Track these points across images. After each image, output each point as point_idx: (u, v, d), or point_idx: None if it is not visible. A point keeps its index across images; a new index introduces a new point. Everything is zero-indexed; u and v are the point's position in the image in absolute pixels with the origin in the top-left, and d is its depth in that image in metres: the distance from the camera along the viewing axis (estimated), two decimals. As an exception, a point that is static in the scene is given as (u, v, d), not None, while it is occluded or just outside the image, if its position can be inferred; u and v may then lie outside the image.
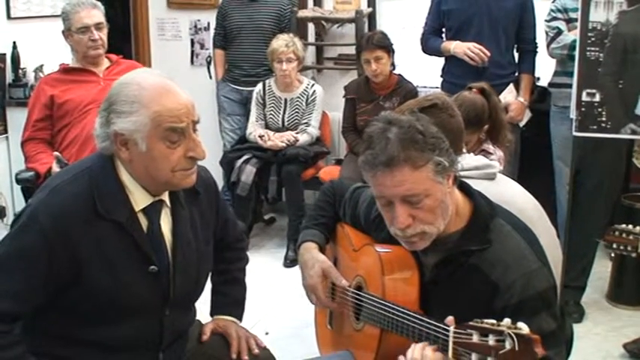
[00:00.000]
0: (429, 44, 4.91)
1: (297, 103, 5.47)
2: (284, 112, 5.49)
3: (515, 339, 1.64)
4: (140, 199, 2.15)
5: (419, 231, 2.01)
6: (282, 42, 5.30)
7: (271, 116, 5.51)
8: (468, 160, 2.63)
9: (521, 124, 4.72)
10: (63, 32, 3.97)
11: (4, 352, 2.03)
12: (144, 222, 2.17)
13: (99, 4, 3.99)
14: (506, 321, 1.70)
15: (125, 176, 2.14)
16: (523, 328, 1.67)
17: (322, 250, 2.50)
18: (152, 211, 2.18)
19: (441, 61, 4.92)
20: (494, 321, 1.72)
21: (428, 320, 1.94)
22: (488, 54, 4.57)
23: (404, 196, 1.98)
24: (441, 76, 4.90)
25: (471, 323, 1.75)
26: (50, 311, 2.12)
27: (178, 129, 2.07)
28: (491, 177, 2.71)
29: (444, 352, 1.82)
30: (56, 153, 3.79)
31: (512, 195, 2.58)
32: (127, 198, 2.13)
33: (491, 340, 1.68)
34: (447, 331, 1.81)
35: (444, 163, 1.98)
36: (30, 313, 2.10)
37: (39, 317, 2.13)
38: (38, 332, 2.16)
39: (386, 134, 1.98)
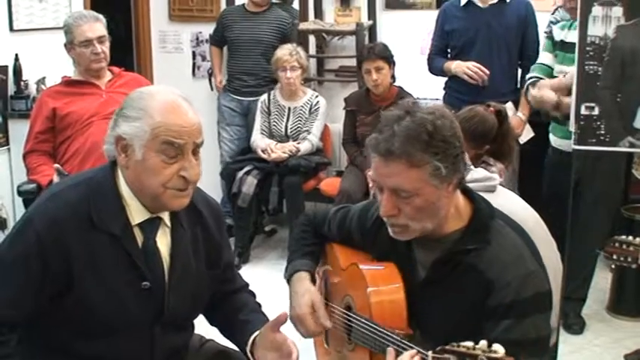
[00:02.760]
0: (434, 65, 5.05)
1: (301, 112, 5.51)
2: (287, 120, 5.52)
3: None
4: (137, 214, 2.15)
5: (402, 223, 2.03)
6: (286, 51, 5.38)
7: (275, 124, 5.55)
8: (467, 172, 2.63)
9: (522, 140, 4.74)
10: (65, 45, 3.98)
11: None
12: (139, 237, 2.16)
13: (101, 17, 4.01)
14: (482, 344, 1.71)
15: (124, 189, 2.14)
16: (498, 350, 1.69)
17: (314, 278, 2.48)
18: (148, 227, 2.17)
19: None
20: (470, 344, 1.73)
21: (408, 344, 1.95)
22: (488, 72, 4.65)
23: (393, 188, 1.99)
24: (444, 89, 4.97)
25: (447, 347, 1.77)
26: (43, 323, 2.11)
27: (176, 144, 2.06)
28: (491, 189, 2.72)
29: None
30: (56, 165, 3.80)
31: (511, 207, 2.58)
32: (124, 210, 2.13)
33: None
34: (426, 356, 1.83)
35: (442, 169, 1.96)
36: (24, 323, 2.09)
37: (32, 329, 2.12)
38: (31, 344, 2.15)
39: (394, 125, 1.97)
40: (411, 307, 2.14)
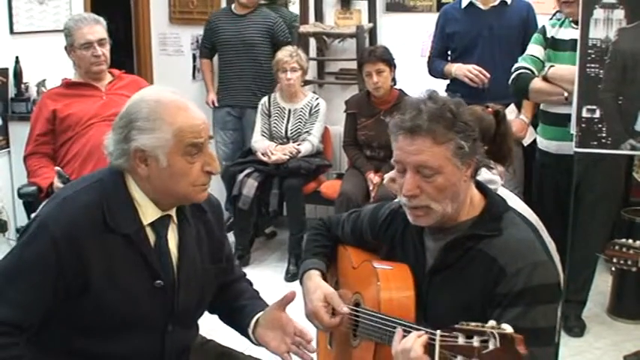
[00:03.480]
0: (434, 67, 5.06)
1: (301, 113, 5.51)
2: (287, 122, 5.53)
3: (497, 338, 1.66)
4: (149, 213, 2.17)
5: (423, 204, 2.05)
6: (286, 52, 5.40)
7: (275, 126, 5.56)
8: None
9: (526, 142, 4.74)
10: (65, 48, 3.98)
11: None
12: (151, 236, 2.18)
13: (101, 19, 4.01)
14: (491, 322, 1.72)
15: (135, 190, 2.16)
16: (507, 328, 1.69)
17: (325, 276, 2.49)
18: (160, 226, 2.20)
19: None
20: (479, 323, 1.74)
21: (416, 326, 1.96)
22: (488, 75, 4.67)
23: (418, 165, 2.02)
24: (445, 91, 4.96)
25: (456, 326, 1.76)
26: (55, 323, 2.12)
27: (198, 144, 2.12)
28: None
29: (431, 356, 1.83)
30: (57, 168, 3.79)
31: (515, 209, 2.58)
32: (136, 211, 2.16)
33: (475, 342, 1.70)
34: (434, 334, 1.83)
35: (465, 148, 2.03)
36: (37, 325, 2.09)
37: (43, 329, 2.12)
38: (42, 344, 2.15)
39: (420, 105, 2.04)
40: (419, 298, 2.16)
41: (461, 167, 2.04)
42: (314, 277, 2.45)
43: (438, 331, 1.81)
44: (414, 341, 1.87)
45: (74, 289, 2.07)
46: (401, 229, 2.27)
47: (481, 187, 2.20)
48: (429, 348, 1.85)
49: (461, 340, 1.74)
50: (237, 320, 2.46)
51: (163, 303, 2.20)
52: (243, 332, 2.43)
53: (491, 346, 1.66)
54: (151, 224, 2.18)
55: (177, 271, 2.23)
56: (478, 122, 3.21)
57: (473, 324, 1.74)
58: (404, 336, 1.94)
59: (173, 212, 2.24)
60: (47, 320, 2.10)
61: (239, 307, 2.47)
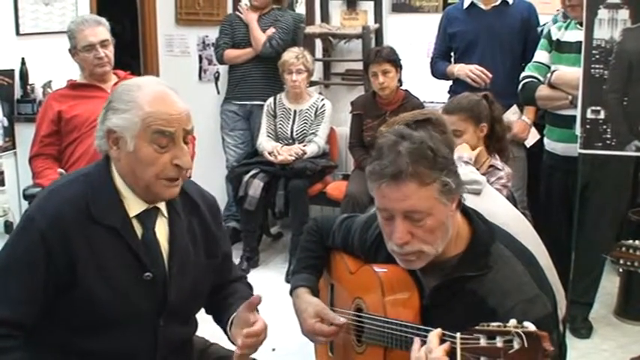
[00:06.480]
0: (437, 68, 5.08)
1: (306, 114, 5.51)
2: (293, 123, 5.52)
3: (523, 337, 1.64)
4: (134, 206, 2.18)
5: (416, 249, 2.00)
6: (292, 54, 5.40)
7: (281, 127, 5.56)
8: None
9: (529, 144, 4.74)
10: (70, 50, 3.99)
11: None
12: (138, 228, 2.19)
13: (103, 20, 4.01)
14: (512, 322, 1.69)
15: (119, 182, 2.17)
16: (530, 326, 1.67)
17: (315, 291, 2.49)
18: (146, 218, 2.20)
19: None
20: (500, 323, 1.71)
21: (430, 328, 1.92)
22: (490, 75, 4.66)
23: (406, 211, 1.96)
24: (448, 92, 4.98)
25: (477, 327, 1.74)
26: (46, 320, 2.12)
27: (167, 133, 2.10)
28: (476, 192, 2.72)
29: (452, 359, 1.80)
30: (60, 170, 3.81)
31: (495, 211, 2.54)
32: (121, 203, 2.16)
33: (499, 342, 1.68)
34: (454, 337, 1.79)
35: (450, 184, 1.97)
36: (32, 322, 2.09)
37: (36, 328, 2.12)
38: (34, 342, 2.14)
39: (397, 147, 1.96)
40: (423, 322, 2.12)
41: (447, 203, 1.98)
42: (302, 295, 2.45)
43: (458, 334, 1.78)
44: (436, 348, 1.82)
45: (63, 283, 2.07)
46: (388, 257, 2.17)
47: (465, 211, 2.14)
48: (449, 351, 1.81)
49: (483, 342, 1.71)
50: (222, 318, 2.43)
51: (154, 296, 2.19)
52: (225, 331, 2.40)
53: (516, 346, 1.64)
54: (137, 217, 2.18)
55: (169, 264, 2.22)
56: (474, 100, 3.32)
57: (494, 324, 1.71)
58: (423, 342, 1.89)
59: (162, 205, 2.24)
60: (41, 318, 2.10)
61: (226, 305, 2.44)
